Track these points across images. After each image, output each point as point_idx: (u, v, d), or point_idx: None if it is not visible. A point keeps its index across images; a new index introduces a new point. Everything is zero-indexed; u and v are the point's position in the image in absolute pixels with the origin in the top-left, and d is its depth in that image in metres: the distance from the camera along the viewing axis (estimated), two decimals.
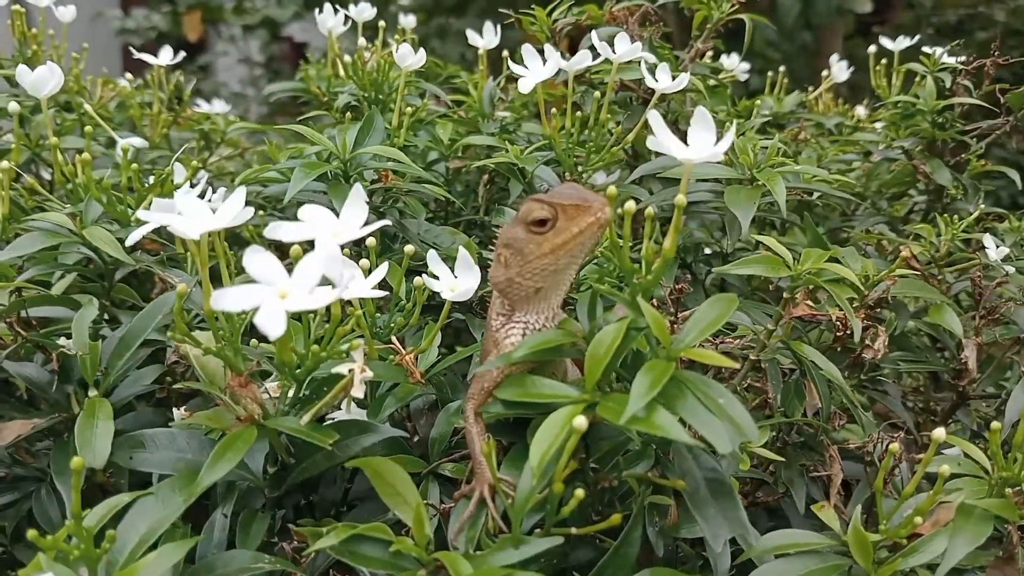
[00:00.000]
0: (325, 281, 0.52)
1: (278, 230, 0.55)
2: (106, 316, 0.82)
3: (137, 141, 1.09)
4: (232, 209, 0.58)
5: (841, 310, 0.79)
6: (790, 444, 0.85)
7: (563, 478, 0.53)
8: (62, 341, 0.69)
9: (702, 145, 0.58)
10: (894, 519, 0.64)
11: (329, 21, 1.07)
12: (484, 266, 0.68)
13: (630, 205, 0.56)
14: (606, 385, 0.57)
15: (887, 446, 0.72)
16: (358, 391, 0.57)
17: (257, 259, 0.52)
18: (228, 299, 0.49)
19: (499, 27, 1.20)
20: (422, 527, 0.53)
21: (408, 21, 1.63)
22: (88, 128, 0.85)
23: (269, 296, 0.50)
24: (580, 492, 0.51)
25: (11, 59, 1.33)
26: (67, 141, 1.11)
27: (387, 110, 1.07)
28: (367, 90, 1.05)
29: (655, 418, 0.51)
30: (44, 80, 0.76)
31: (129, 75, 1.49)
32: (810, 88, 1.70)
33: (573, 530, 0.55)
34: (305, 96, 1.63)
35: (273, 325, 0.48)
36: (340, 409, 0.74)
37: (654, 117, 0.58)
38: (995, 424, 0.65)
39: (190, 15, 6.85)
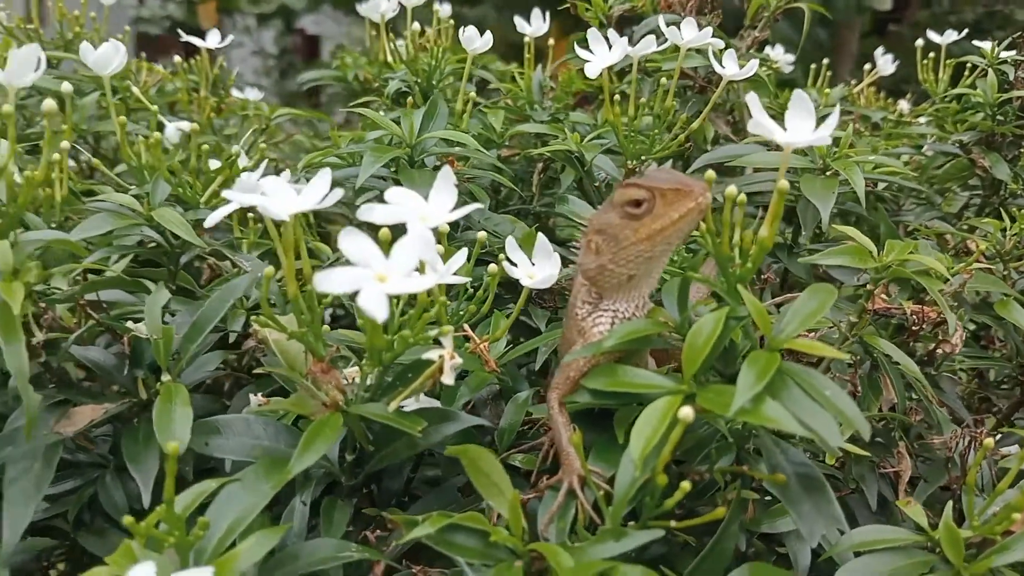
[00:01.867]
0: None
1: (371, 212, 0.53)
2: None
3: (185, 125, 1.08)
4: (319, 190, 0.56)
5: (916, 303, 0.77)
6: (859, 438, 0.84)
7: (662, 470, 0.52)
8: (130, 324, 0.68)
9: (802, 130, 0.57)
10: (983, 516, 0.63)
11: (382, 5, 1.06)
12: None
13: (732, 189, 0.54)
14: (703, 376, 0.56)
15: (974, 441, 0.71)
16: (448, 378, 0.56)
17: (354, 241, 0.50)
18: (331, 281, 0.47)
19: (547, 14, 1.18)
20: (518, 517, 0.52)
21: (445, 9, 1.62)
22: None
23: (369, 279, 0.49)
24: (686, 484, 0.50)
25: (51, 41, 1.32)
26: (110, 124, 1.10)
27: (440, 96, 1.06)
28: (420, 76, 1.03)
29: (765, 410, 0.49)
30: (108, 58, 0.74)
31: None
32: (852, 81, 1.68)
33: (673, 523, 0.53)
34: (333, 85, 1.61)
35: (377, 308, 0.46)
36: (410, 399, 0.73)
37: (752, 99, 0.56)
38: None
39: (205, 4, 6.85)
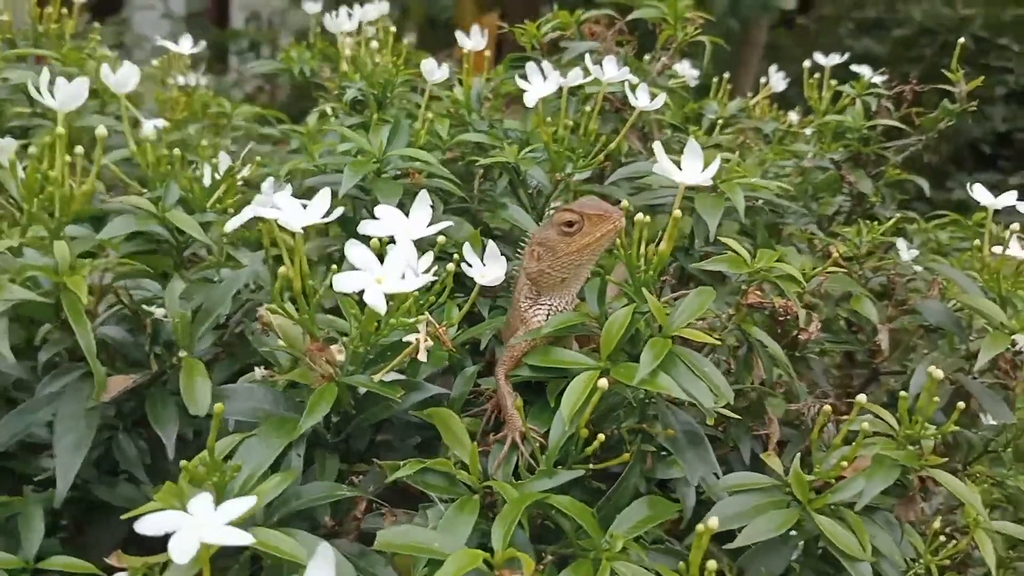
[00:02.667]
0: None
1: (367, 227, 0.70)
2: None
3: (160, 123, 1.20)
4: (323, 207, 0.72)
5: (784, 298, 0.97)
6: (737, 409, 1.04)
7: (583, 426, 0.70)
8: (151, 308, 0.82)
9: (693, 171, 0.75)
10: (824, 466, 0.83)
11: (344, 25, 1.20)
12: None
13: (640, 217, 0.72)
14: (616, 356, 0.74)
15: (819, 409, 0.91)
16: (423, 356, 0.72)
17: (357, 251, 0.66)
18: (346, 282, 0.64)
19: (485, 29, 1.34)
20: (476, 463, 0.69)
21: (382, 7, 1.75)
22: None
23: (370, 280, 0.65)
24: (602, 436, 0.68)
25: (20, 31, 1.41)
26: (88, 119, 1.22)
27: (390, 105, 1.21)
28: (376, 88, 1.18)
29: (658, 380, 0.68)
30: (127, 79, 0.87)
31: None
32: (749, 94, 1.89)
33: (591, 465, 0.71)
34: (277, 72, 1.73)
35: (378, 303, 0.63)
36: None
37: (658, 147, 0.75)
38: (903, 393, 0.85)
39: None
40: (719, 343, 0.73)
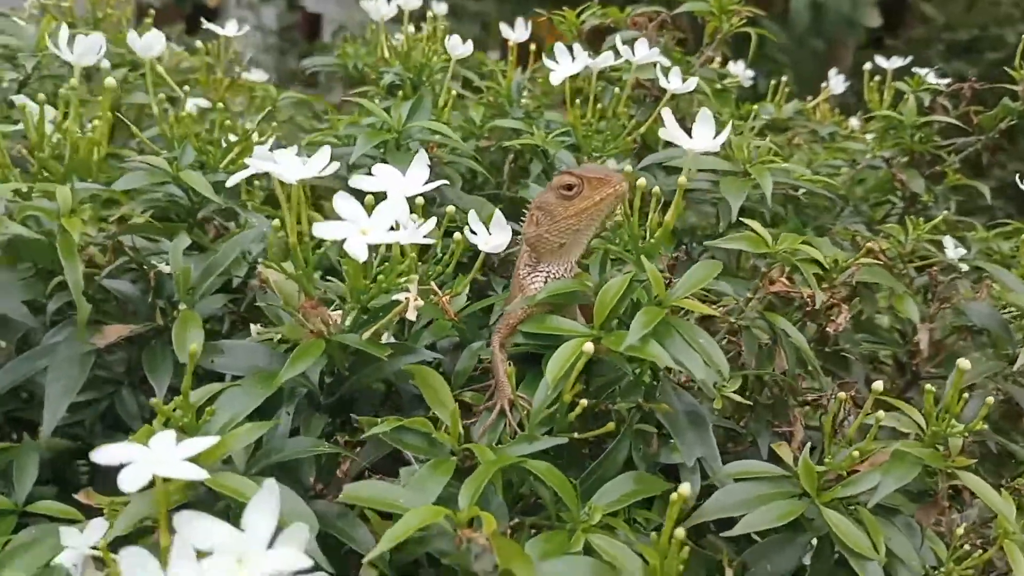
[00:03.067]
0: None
1: (362, 181, 0.69)
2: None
3: (203, 102, 1.22)
4: (320, 163, 0.71)
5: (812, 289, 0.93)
6: (759, 403, 0.99)
7: (570, 393, 0.67)
8: (156, 262, 0.83)
9: (703, 138, 0.72)
10: (837, 458, 0.78)
11: (383, 9, 1.21)
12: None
13: (642, 182, 0.70)
14: (610, 324, 0.71)
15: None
16: (412, 314, 0.71)
17: (346, 202, 0.66)
18: (326, 229, 0.63)
19: (528, 22, 1.33)
20: (456, 424, 0.67)
21: (440, 8, 1.76)
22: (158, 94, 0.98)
23: (354, 231, 0.64)
24: (584, 402, 0.65)
25: (83, 18, 1.47)
26: (135, 96, 1.25)
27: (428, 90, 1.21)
28: (412, 72, 1.18)
29: (648, 348, 0.65)
30: (151, 44, 0.89)
31: None
32: (809, 97, 1.84)
33: (575, 434, 0.69)
34: (337, 71, 1.75)
35: (359, 252, 0.62)
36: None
37: (666, 113, 0.72)
38: (928, 386, 0.79)
39: None
40: (715, 313, 0.69)
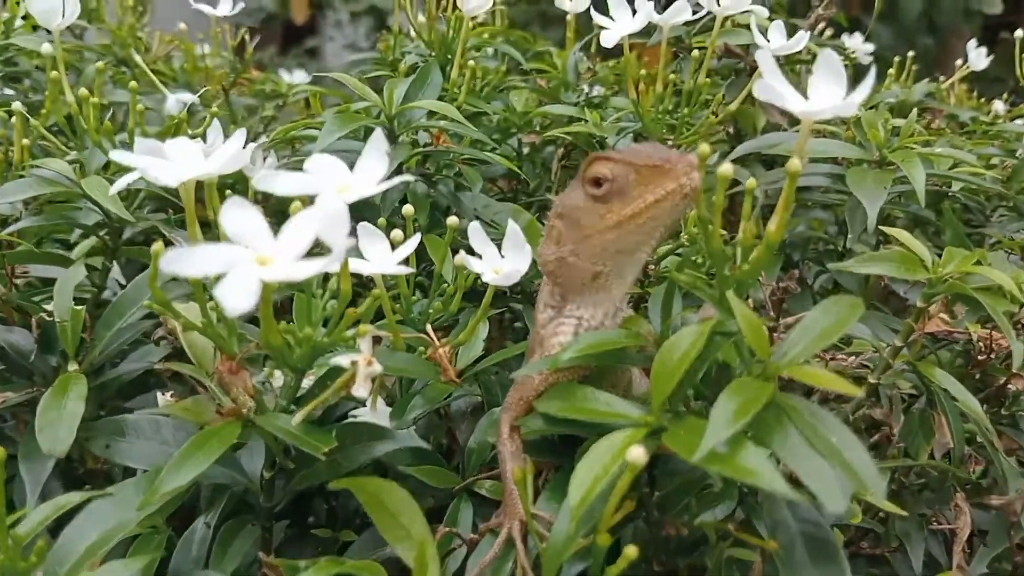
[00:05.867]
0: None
1: (272, 180, 0.43)
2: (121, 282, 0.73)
3: (187, 96, 1.00)
4: (224, 154, 0.47)
5: (983, 327, 0.63)
6: (907, 487, 0.70)
7: (612, 524, 0.40)
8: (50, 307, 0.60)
9: (827, 96, 0.44)
10: None
11: None
12: None
13: (727, 168, 0.42)
14: (679, 405, 0.44)
15: None
16: (361, 389, 0.45)
17: (237, 213, 0.40)
18: (189, 261, 0.38)
19: None
20: (425, 571, 0.41)
21: None
22: (133, 84, 0.75)
23: (244, 260, 0.38)
24: (632, 550, 0.38)
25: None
26: (117, 95, 1.04)
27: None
28: (435, 49, 0.93)
29: (741, 458, 0.37)
30: (55, 10, 0.67)
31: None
32: (941, 78, 1.51)
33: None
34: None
35: (238, 297, 0.36)
36: (365, 407, 0.63)
37: (763, 58, 0.44)
38: None
39: None
40: (859, 392, 0.40)
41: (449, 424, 0.72)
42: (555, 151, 0.92)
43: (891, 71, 1.40)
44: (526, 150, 1.01)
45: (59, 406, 0.52)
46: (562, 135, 0.86)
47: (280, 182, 0.43)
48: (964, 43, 1.44)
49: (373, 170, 0.46)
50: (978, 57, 1.42)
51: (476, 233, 0.56)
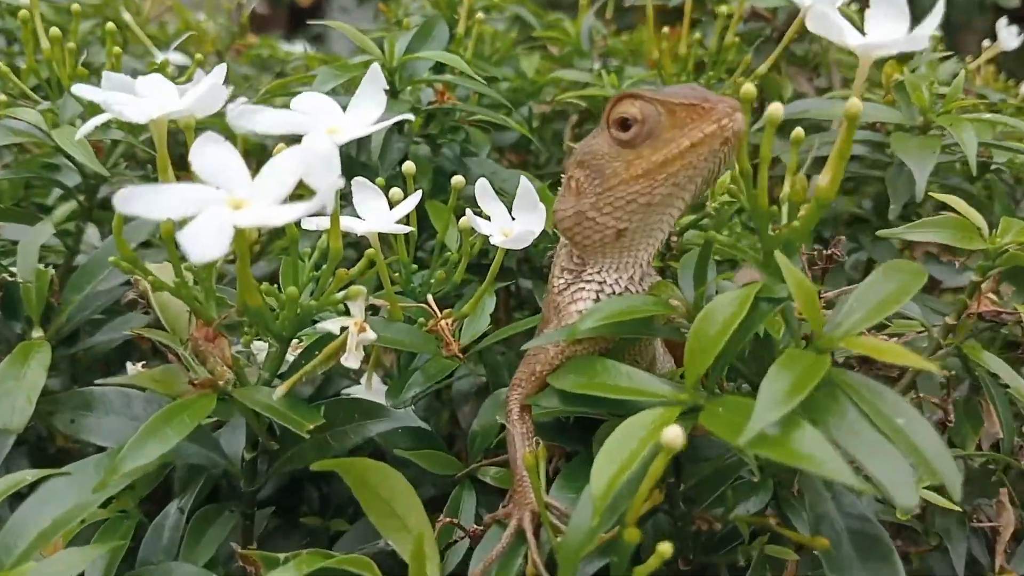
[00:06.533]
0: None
1: (253, 116, 0.38)
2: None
3: (178, 57, 0.95)
4: (199, 90, 0.41)
5: None
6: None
7: (639, 517, 0.35)
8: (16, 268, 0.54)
9: (889, 30, 0.38)
10: None
11: None
12: None
13: (776, 109, 0.36)
14: (715, 383, 0.38)
15: None
16: (352, 359, 0.40)
17: (209, 150, 0.35)
18: (152, 200, 0.32)
19: None
20: (422, 566, 0.36)
21: None
22: (110, 25, 0.69)
23: (214, 202, 0.33)
24: (666, 547, 0.32)
25: None
26: (103, 56, 0.98)
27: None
28: (440, 8, 0.87)
29: (795, 441, 0.32)
30: None
31: None
32: (968, 57, 1.45)
33: None
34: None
35: (207, 242, 0.31)
36: (360, 384, 0.58)
37: None
38: None
39: None
40: (935, 369, 0.35)
41: (450, 407, 0.67)
42: (568, 120, 0.86)
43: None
44: (535, 123, 0.96)
45: (17, 375, 0.47)
46: (576, 100, 0.80)
47: (262, 118, 0.38)
48: (978, 38, 1.38)
49: (368, 109, 0.40)
50: (1009, 36, 1.36)
51: (484, 191, 0.50)
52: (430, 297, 0.55)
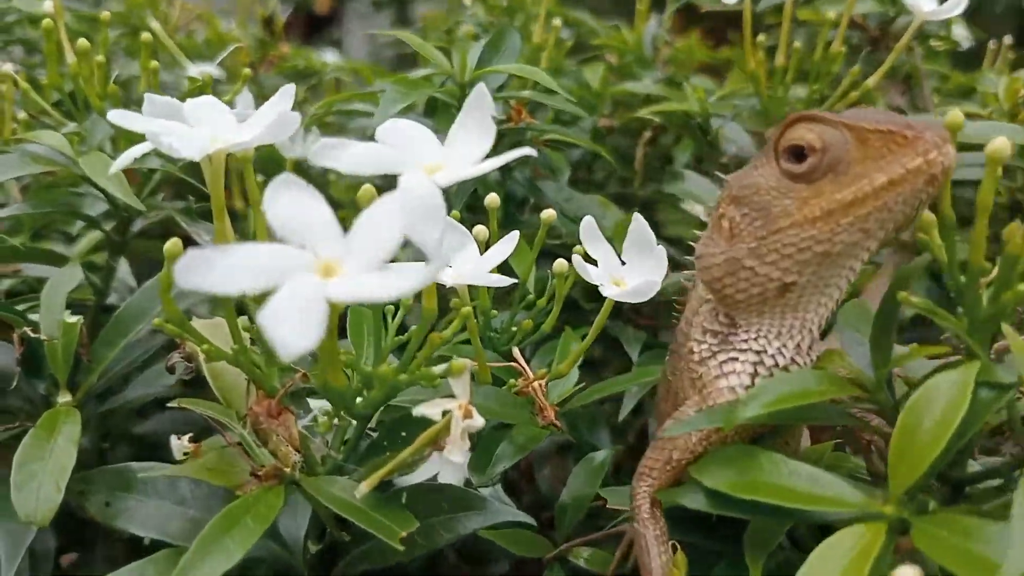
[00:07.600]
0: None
1: (335, 154, 0.30)
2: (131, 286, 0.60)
3: (209, 68, 0.88)
4: (264, 119, 0.34)
5: None
6: None
7: None
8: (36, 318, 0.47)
9: None
10: None
11: None
12: None
13: (1002, 144, 0.29)
14: (918, 491, 0.30)
15: None
16: (457, 452, 0.32)
17: (287, 198, 0.27)
18: (217, 269, 0.25)
19: None
20: None
21: None
22: (146, 36, 0.61)
23: (299, 269, 0.25)
24: None
25: None
26: (133, 67, 0.92)
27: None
28: (497, 15, 0.80)
29: None
30: None
31: None
32: None
33: None
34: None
35: (296, 327, 0.23)
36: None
37: None
38: None
39: None
40: None
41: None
42: (641, 136, 0.79)
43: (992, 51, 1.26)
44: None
45: (43, 454, 0.39)
46: (652, 116, 0.72)
47: (348, 156, 0.30)
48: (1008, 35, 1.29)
49: (475, 143, 0.32)
50: None
51: (590, 231, 0.43)
52: (516, 352, 0.47)
